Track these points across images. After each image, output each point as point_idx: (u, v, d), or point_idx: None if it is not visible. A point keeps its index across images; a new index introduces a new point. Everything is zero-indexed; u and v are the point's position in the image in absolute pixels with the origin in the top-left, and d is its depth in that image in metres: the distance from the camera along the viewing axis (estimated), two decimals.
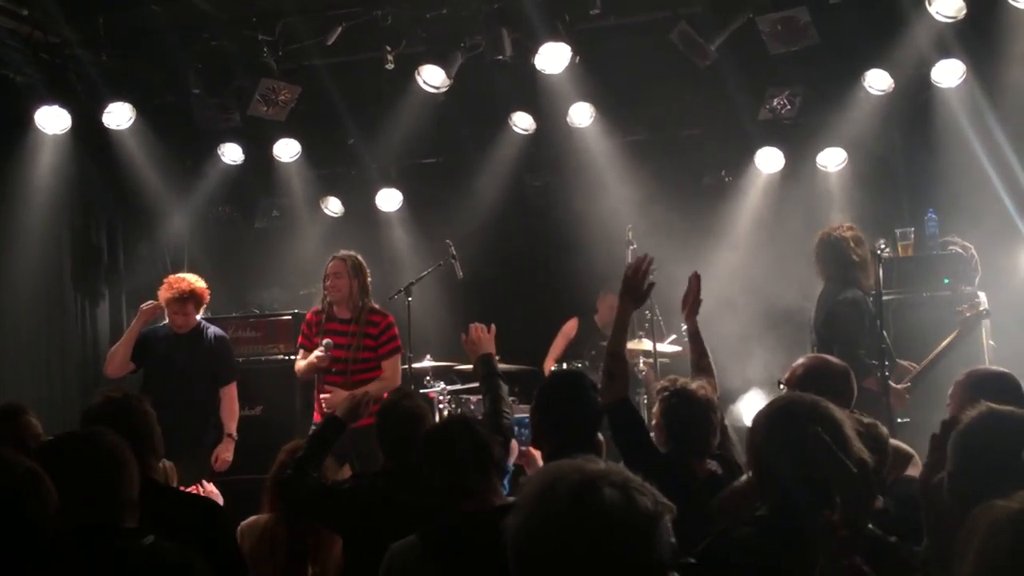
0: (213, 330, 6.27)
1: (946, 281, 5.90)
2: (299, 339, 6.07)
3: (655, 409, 3.58)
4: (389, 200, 8.05)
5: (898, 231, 6.25)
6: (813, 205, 7.29)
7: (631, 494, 1.48)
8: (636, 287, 3.65)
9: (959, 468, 2.25)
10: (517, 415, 5.47)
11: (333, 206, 8.12)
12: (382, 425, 3.58)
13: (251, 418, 6.61)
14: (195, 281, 6.12)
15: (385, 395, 4.67)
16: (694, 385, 3.54)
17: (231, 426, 6.06)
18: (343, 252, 6.03)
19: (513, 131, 7.61)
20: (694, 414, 3.45)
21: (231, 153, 7.56)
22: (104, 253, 7.66)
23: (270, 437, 5.67)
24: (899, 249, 6.19)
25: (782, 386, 3.70)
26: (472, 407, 6.61)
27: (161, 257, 7.81)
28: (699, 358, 3.97)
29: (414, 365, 6.56)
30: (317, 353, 5.75)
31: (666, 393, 3.51)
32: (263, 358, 7.09)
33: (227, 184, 7.80)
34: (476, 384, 6.84)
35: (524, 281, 8.01)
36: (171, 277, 6.20)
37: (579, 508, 1.45)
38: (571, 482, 1.47)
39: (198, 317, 6.19)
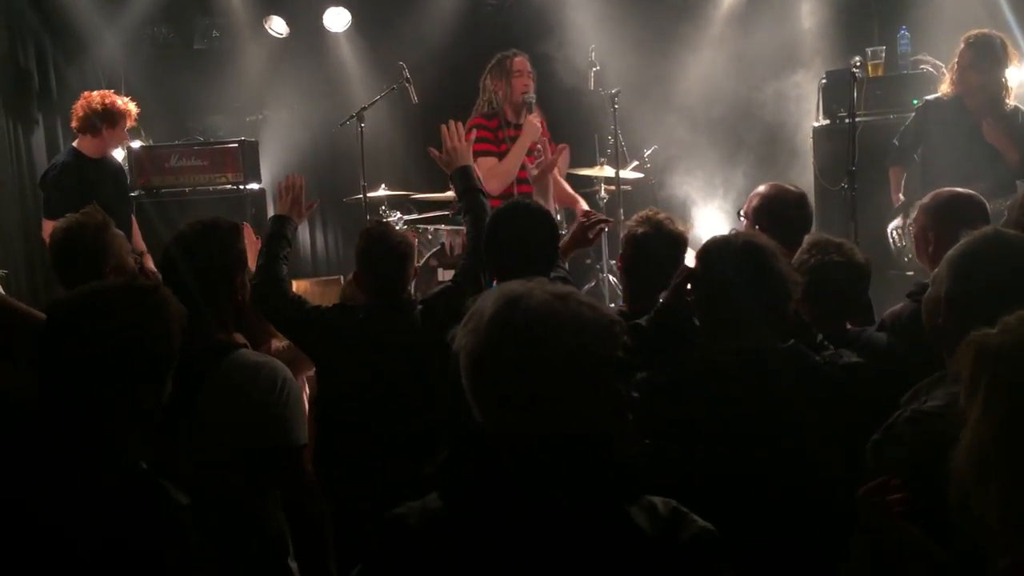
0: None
1: (915, 102, 5.75)
2: (478, 146, 5.13)
3: (621, 239, 3.39)
4: (337, 19, 7.58)
5: (868, 50, 6.08)
6: (780, 20, 7.02)
7: (569, 303, 1.50)
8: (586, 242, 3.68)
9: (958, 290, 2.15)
10: None
11: (277, 26, 7.64)
12: (369, 258, 3.33)
13: None
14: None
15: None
16: (662, 217, 3.33)
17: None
18: (514, 49, 5.60)
19: None
20: (660, 247, 3.20)
21: None
22: (35, 77, 7.18)
23: None
24: (868, 68, 6.02)
25: (742, 217, 3.58)
26: (430, 237, 6.45)
27: (95, 81, 7.35)
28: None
29: (369, 195, 6.36)
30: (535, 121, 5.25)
31: (637, 223, 3.30)
32: (211, 188, 6.81)
33: (161, 2, 7.28)
34: (434, 214, 6.68)
35: None
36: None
37: (506, 311, 1.49)
38: (503, 291, 1.53)
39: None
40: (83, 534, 1.79)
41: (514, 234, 3.20)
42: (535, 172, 4.63)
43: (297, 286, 6.55)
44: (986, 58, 4.97)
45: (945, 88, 5.18)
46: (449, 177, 3.75)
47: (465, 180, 3.64)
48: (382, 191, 6.56)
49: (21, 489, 1.82)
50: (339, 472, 3.14)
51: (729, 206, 6.60)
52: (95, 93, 5.68)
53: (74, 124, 5.67)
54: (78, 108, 5.63)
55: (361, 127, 6.23)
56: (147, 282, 2.10)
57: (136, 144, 6.84)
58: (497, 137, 5.35)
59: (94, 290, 2.02)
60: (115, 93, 5.78)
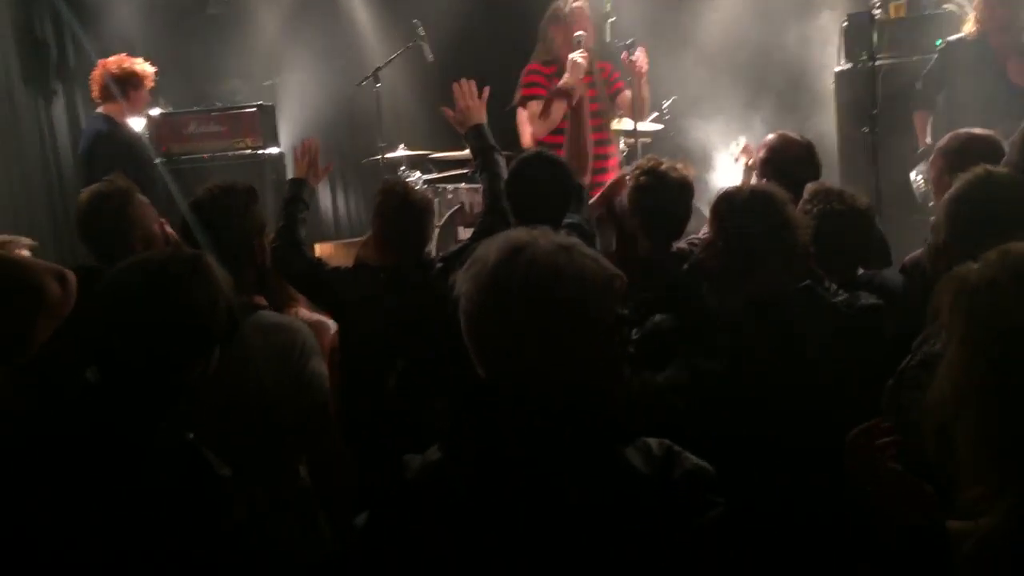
0: None
1: (938, 43, 5.64)
2: (526, 91, 5.40)
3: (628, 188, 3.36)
4: None
5: None
6: None
7: (573, 255, 1.50)
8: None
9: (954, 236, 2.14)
10: None
11: None
12: (390, 216, 3.30)
13: None
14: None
15: None
16: (665, 166, 3.25)
17: None
18: None
19: None
20: (667, 196, 3.19)
21: None
22: (52, 48, 7.19)
23: None
24: (891, 10, 5.91)
25: (739, 160, 3.58)
26: (450, 196, 6.44)
27: (112, 49, 7.35)
28: None
29: (387, 155, 6.35)
30: (576, 57, 5.02)
31: (639, 174, 3.24)
32: (229, 153, 6.81)
33: None
34: (453, 172, 6.66)
35: (497, 61, 7.65)
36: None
37: (509, 261, 1.49)
38: (506, 239, 1.52)
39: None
40: (134, 508, 1.82)
41: (528, 183, 3.32)
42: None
43: (321, 249, 6.62)
44: None
45: (969, 28, 5.08)
46: (463, 136, 3.73)
47: (479, 139, 3.62)
48: (401, 151, 6.56)
49: (72, 462, 1.84)
50: (362, 430, 3.17)
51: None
52: (111, 59, 5.70)
53: (96, 94, 5.68)
54: (97, 77, 5.64)
55: (377, 87, 6.22)
56: (191, 251, 2.11)
57: (155, 111, 6.85)
58: (552, 84, 5.26)
59: (142, 262, 2.04)
60: (130, 56, 5.80)
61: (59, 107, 7.20)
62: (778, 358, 2.27)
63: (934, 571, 1.23)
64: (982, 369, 1.19)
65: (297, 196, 3.54)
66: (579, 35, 5.21)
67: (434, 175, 6.68)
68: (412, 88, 7.34)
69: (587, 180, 3.78)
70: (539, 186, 3.31)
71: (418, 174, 6.54)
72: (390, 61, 6.41)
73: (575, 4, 5.40)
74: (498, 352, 1.52)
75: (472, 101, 3.65)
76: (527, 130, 6.42)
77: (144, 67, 5.66)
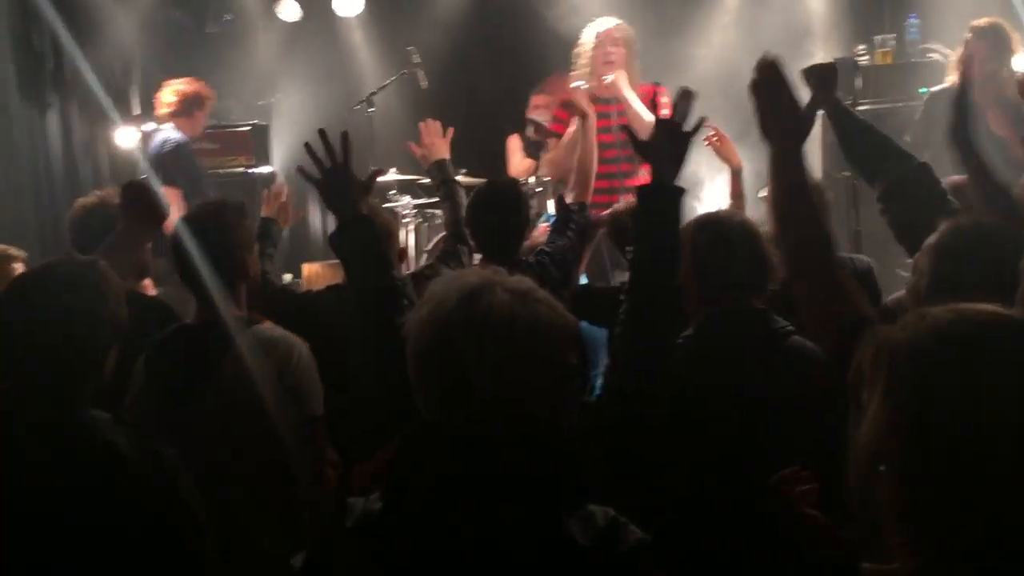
0: None
1: (922, 91, 5.76)
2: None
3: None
4: (349, 3, 7.62)
5: (877, 38, 6.07)
6: (792, 7, 7.00)
7: (528, 302, 1.49)
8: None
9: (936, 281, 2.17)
10: None
11: (288, 10, 7.69)
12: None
13: None
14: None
15: None
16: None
17: None
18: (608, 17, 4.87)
19: None
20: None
21: None
22: (49, 59, 7.24)
23: None
24: (878, 57, 6.03)
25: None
26: (438, 221, 6.49)
27: (109, 64, 7.41)
28: None
29: (378, 179, 6.38)
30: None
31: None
32: (222, 171, 6.87)
33: None
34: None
35: (492, 89, 7.74)
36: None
37: (466, 307, 1.47)
38: (462, 283, 1.50)
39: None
40: (78, 482, 1.93)
41: (482, 215, 3.55)
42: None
43: (308, 269, 6.65)
44: (996, 47, 4.96)
45: (953, 78, 5.17)
46: (426, 170, 4.01)
47: (442, 172, 3.92)
48: (392, 175, 6.62)
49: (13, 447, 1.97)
50: (346, 447, 3.21)
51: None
52: (177, 80, 5.95)
53: (167, 110, 5.87)
54: (169, 94, 5.86)
55: (370, 112, 6.29)
56: (85, 257, 2.29)
57: (148, 127, 6.89)
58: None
59: (41, 267, 2.21)
60: (123, 78, 5.94)
61: (53, 119, 7.22)
62: (726, 374, 2.33)
63: None
64: (901, 426, 1.22)
65: (267, 232, 3.72)
66: (578, 85, 4.59)
67: (423, 200, 6.74)
68: (405, 113, 7.40)
69: (588, 198, 3.88)
70: (493, 219, 3.52)
71: (408, 198, 6.60)
72: (384, 87, 6.49)
73: (601, 30, 4.85)
74: (446, 397, 1.49)
75: (436, 139, 3.93)
76: (515, 159, 6.49)
77: (209, 90, 5.91)
